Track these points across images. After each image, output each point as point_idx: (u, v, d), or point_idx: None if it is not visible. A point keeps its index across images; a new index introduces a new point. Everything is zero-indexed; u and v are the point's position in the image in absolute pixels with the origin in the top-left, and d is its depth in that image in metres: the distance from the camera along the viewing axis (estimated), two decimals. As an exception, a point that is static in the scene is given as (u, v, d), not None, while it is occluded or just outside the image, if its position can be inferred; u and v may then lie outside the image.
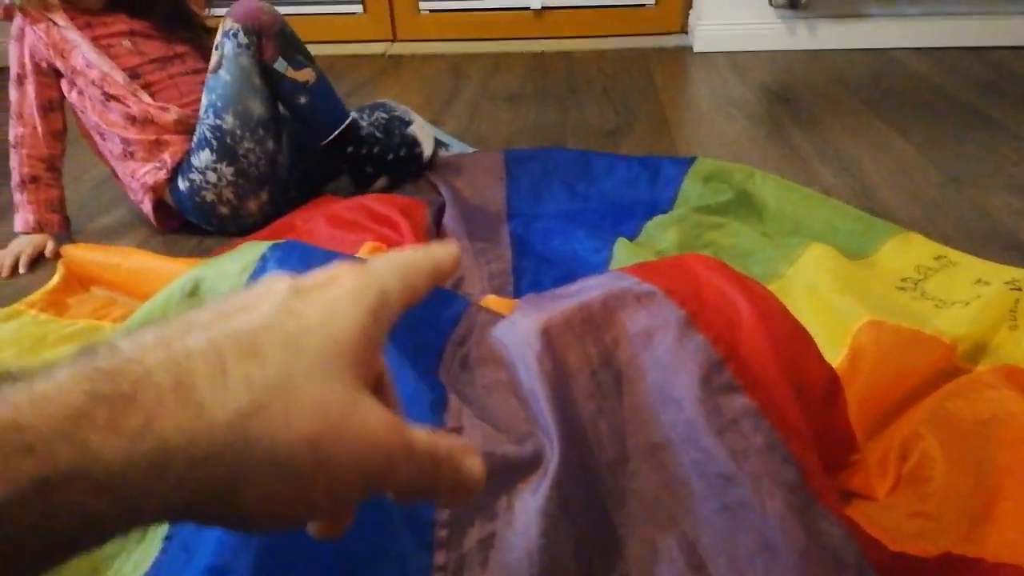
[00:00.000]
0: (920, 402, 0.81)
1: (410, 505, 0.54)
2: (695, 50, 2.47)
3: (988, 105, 1.84)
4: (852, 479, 0.72)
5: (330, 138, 1.33)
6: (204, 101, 1.28)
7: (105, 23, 1.33)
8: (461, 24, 2.72)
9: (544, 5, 2.66)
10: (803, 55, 2.36)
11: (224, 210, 1.31)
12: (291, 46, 1.28)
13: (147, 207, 1.34)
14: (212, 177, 1.27)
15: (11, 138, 1.33)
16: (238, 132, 1.26)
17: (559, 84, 2.22)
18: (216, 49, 1.27)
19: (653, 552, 0.53)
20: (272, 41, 1.26)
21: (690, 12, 2.59)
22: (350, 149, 1.34)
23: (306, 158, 1.40)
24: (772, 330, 0.58)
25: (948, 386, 0.82)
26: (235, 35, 1.25)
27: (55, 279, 1.19)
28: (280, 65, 1.26)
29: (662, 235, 1.12)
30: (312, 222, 1.21)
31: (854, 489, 0.73)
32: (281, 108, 1.33)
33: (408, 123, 1.42)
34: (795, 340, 0.62)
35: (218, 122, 1.25)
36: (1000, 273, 1.04)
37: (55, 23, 1.29)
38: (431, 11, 2.72)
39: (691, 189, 1.27)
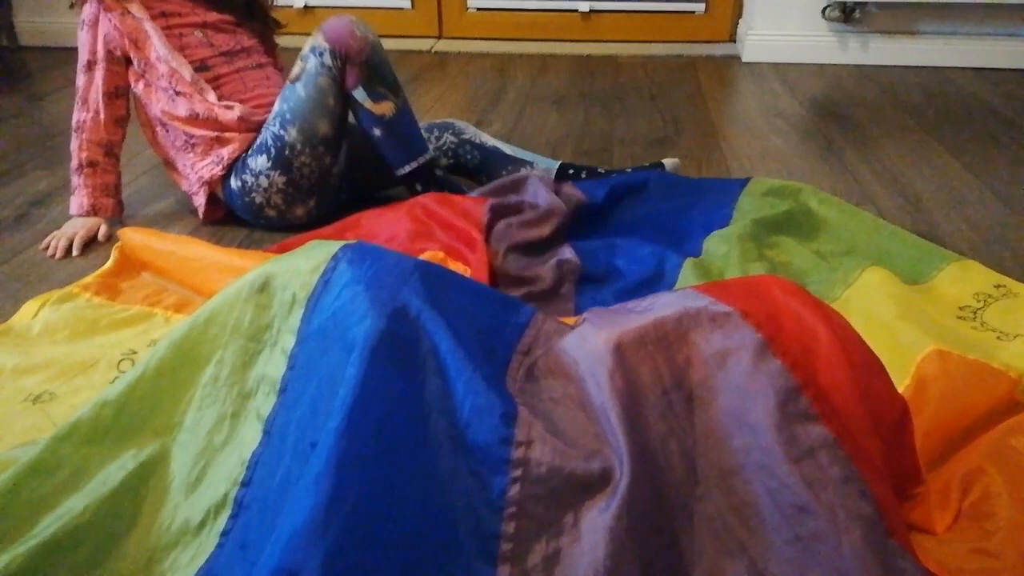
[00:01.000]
0: (982, 436, 0.80)
1: (477, 518, 0.54)
2: (743, 60, 2.45)
3: (1046, 130, 1.80)
4: (913, 512, 0.71)
5: (402, 173, 1.31)
6: (275, 108, 1.28)
7: (180, 13, 1.35)
8: (508, 23, 2.72)
9: (592, 8, 2.65)
10: (853, 70, 2.33)
11: (271, 212, 1.32)
12: (375, 76, 1.27)
13: (200, 199, 1.35)
14: (264, 182, 1.28)
15: (73, 122, 1.35)
16: (298, 147, 1.26)
17: (605, 88, 2.21)
18: (300, 60, 1.27)
19: None
20: (356, 69, 1.25)
21: (740, 21, 2.57)
22: (419, 187, 1.31)
23: (361, 167, 1.40)
24: (850, 358, 0.58)
25: (1011, 421, 0.80)
26: (321, 54, 1.24)
27: (109, 263, 1.20)
28: (359, 94, 1.26)
29: (719, 251, 1.11)
30: (377, 223, 1.21)
31: (913, 522, 0.71)
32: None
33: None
34: (870, 369, 0.61)
35: (282, 133, 1.26)
36: (1063, 306, 1.01)
37: (130, 12, 1.30)
38: (478, 9, 2.72)
39: (747, 204, 1.25)
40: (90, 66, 1.33)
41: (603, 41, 2.67)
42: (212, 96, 1.30)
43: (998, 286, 1.08)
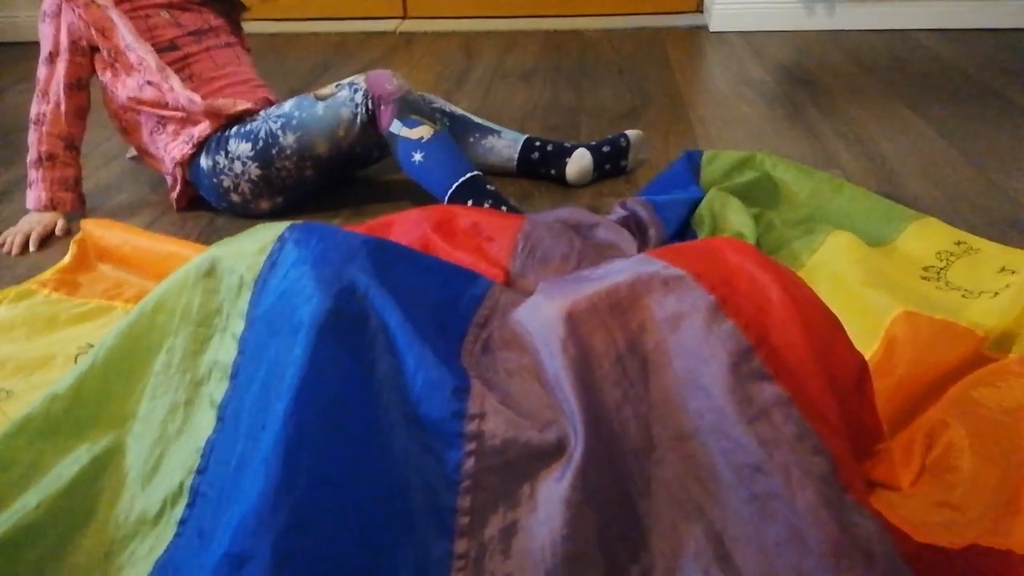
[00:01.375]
0: (947, 391, 0.80)
1: (433, 493, 0.54)
2: (711, 29, 2.43)
3: (1010, 88, 1.81)
4: (876, 468, 0.71)
5: (448, 195, 1.25)
6: (285, 108, 1.26)
7: None
8: (473, 1, 2.68)
9: (557, -17, 2.62)
10: (821, 35, 2.32)
11: (236, 198, 1.30)
12: (408, 107, 1.25)
13: (178, 180, 1.33)
14: (238, 167, 1.27)
15: (32, 115, 1.31)
16: (288, 151, 1.25)
17: (572, 63, 2.19)
18: (334, 86, 1.26)
19: (678, 542, 0.52)
20: (390, 107, 1.24)
21: (706, -9, 2.55)
22: (470, 202, 1.23)
23: (335, 178, 1.39)
24: (804, 316, 0.57)
25: (975, 374, 0.81)
26: (356, 91, 1.24)
27: (67, 258, 1.18)
28: (395, 127, 1.24)
29: (702, 232, 1.09)
30: (406, 228, 1.09)
31: (878, 479, 0.72)
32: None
33: None
34: (827, 327, 0.60)
35: (278, 133, 1.25)
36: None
37: (95, 1, 1.27)
38: (443, -13, 2.68)
39: (710, 179, 1.23)
40: (52, 58, 1.30)
41: (570, 16, 2.65)
42: (177, 84, 1.28)
43: (959, 243, 1.08)
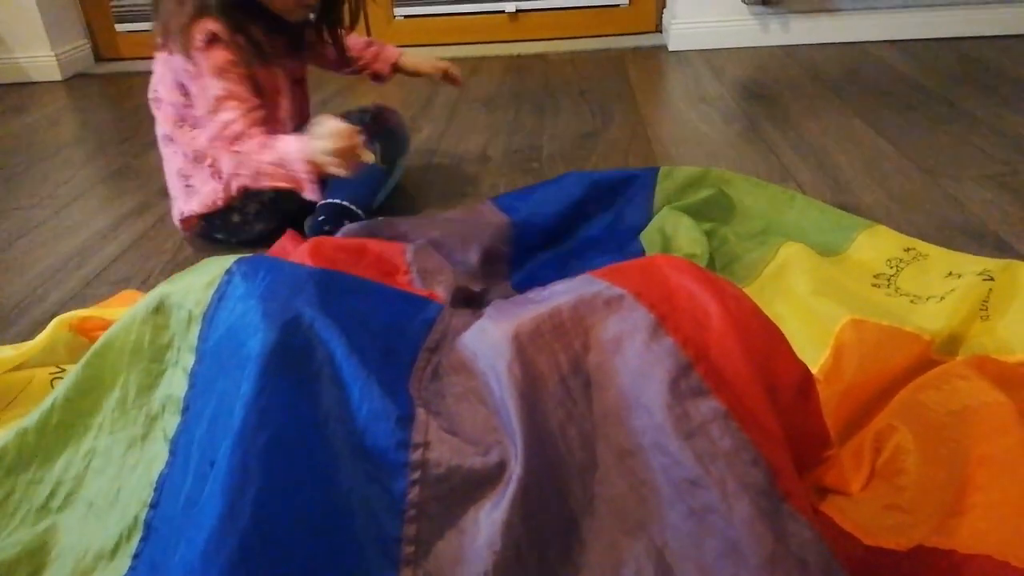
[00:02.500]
0: (895, 395, 0.82)
1: (379, 524, 0.54)
2: (670, 49, 2.48)
3: (960, 96, 1.86)
4: (827, 475, 0.73)
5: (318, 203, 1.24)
6: None
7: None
8: (435, 29, 2.72)
9: (519, 8, 2.67)
10: (777, 51, 2.38)
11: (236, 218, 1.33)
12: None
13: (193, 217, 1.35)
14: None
15: (219, 136, 1.20)
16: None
17: (536, 86, 2.22)
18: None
19: (619, 559, 0.53)
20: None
21: (664, 11, 2.60)
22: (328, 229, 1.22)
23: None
24: (742, 330, 0.59)
25: (921, 378, 0.83)
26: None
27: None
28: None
29: (655, 247, 1.11)
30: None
31: (829, 485, 0.73)
32: None
33: None
34: (767, 338, 0.62)
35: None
36: (970, 264, 1.04)
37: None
38: (405, 17, 2.71)
39: (664, 197, 1.25)
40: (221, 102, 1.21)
41: (532, 40, 2.69)
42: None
43: (908, 249, 1.11)
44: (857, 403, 0.82)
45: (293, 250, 1.03)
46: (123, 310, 1.08)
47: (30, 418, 0.73)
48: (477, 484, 0.54)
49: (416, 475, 0.54)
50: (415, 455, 0.55)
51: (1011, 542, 0.60)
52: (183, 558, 0.51)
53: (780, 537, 0.50)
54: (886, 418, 0.78)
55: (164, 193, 1.61)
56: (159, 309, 0.68)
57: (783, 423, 0.61)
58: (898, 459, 0.74)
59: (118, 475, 0.68)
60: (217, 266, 0.66)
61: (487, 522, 0.53)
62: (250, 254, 0.68)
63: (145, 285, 1.23)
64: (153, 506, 0.63)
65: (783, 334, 0.67)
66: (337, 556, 0.52)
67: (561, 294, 0.62)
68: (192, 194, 1.31)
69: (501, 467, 0.54)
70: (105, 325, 0.99)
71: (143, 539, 0.62)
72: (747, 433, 0.53)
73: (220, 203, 1.28)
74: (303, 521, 0.52)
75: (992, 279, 0.97)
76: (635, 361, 0.57)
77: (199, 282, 0.66)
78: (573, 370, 0.58)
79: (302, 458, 0.54)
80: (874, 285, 1.05)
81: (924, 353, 0.87)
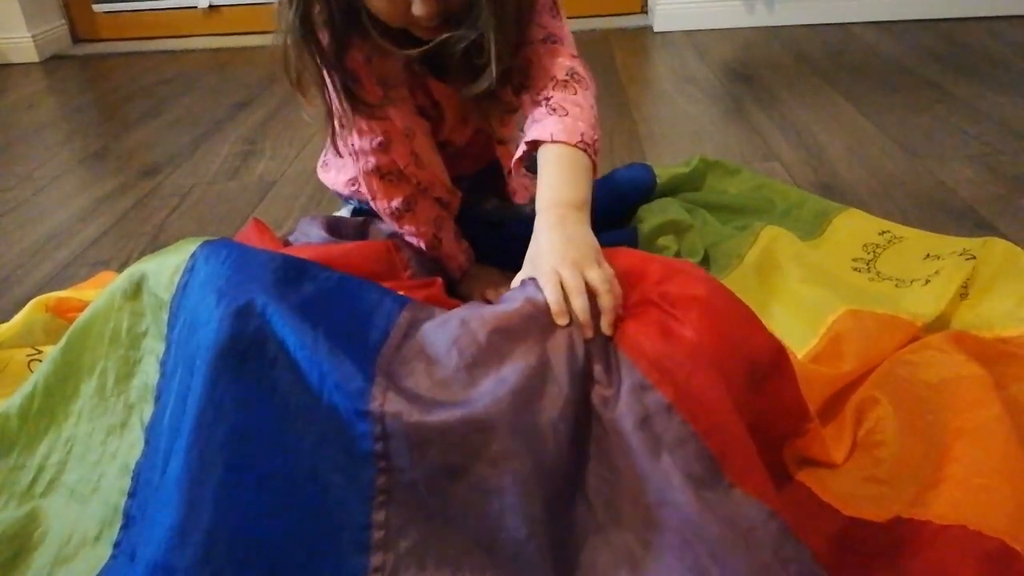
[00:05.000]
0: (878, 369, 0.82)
1: (346, 511, 0.54)
2: (655, 30, 2.47)
3: (942, 76, 1.86)
4: (810, 447, 0.73)
5: None
6: None
7: None
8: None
9: (503, -12, 2.64)
10: (762, 32, 2.37)
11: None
12: None
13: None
14: None
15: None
16: None
17: (520, 68, 2.21)
18: None
19: (595, 559, 0.54)
20: None
21: (649, -8, 2.59)
22: None
23: None
24: (706, 315, 0.59)
25: (900, 352, 0.83)
26: None
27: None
28: None
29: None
30: None
31: (812, 456, 0.73)
32: None
33: None
34: (731, 317, 0.62)
35: None
36: (946, 244, 1.04)
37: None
38: None
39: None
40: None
41: (518, 21, 2.67)
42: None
43: (883, 232, 1.11)
44: (853, 387, 0.81)
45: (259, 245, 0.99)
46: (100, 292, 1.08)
47: (11, 403, 0.72)
48: (448, 472, 0.54)
49: (383, 464, 0.54)
50: (378, 446, 0.54)
51: (985, 512, 0.61)
52: (145, 559, 0.51)
53: (728, 521, 0.50)
54: (868, 389, 0.79)
55: (143, 175, 1.60)
56: (136, 295, 0.67)
57: (755, 399, 0.61)
58: (878, 431, 0.75)
59: (99, 462, 0.67)
60: (186, 249, 0.65)
61: (462, 501, 0.53)
62: (216, 238, 0.67)
63: (124, 267, 1.21)
64: (131, 495, 0.63)
65: (750, 311, 0.66)
66: (305, 547, 0.52)
67: (515, 300, 0.61)
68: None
69: (468, 424, 0.53)
70: (82, 307, 0.98)
71: (123, 527, 0.62)
72: (692, 424, 0.53)
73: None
74: (268, 515, 0.52)
75: (974, 258, 0.98)
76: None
77: (170, 265, 0.64)
78: (536, 359, 0.57)
79: (262, 451, 0.54)
80: (854, 269, 1.05)
81: (915, 336, 0.87)
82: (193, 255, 0.64)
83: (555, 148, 0.73)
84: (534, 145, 0.75)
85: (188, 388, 0.56)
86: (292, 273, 0.61)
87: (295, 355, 0.56)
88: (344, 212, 1.17)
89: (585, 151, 0.74)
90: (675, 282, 0.61)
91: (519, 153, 0.77)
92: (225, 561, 0.51)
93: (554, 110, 0.76)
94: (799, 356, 0.85)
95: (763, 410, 0.63)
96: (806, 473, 0.73)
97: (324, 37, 0.78)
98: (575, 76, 0.80)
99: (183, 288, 0.63)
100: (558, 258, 0.61)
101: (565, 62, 0.80)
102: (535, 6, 0.80)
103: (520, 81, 0.80)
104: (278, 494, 0.53)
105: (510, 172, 0.99)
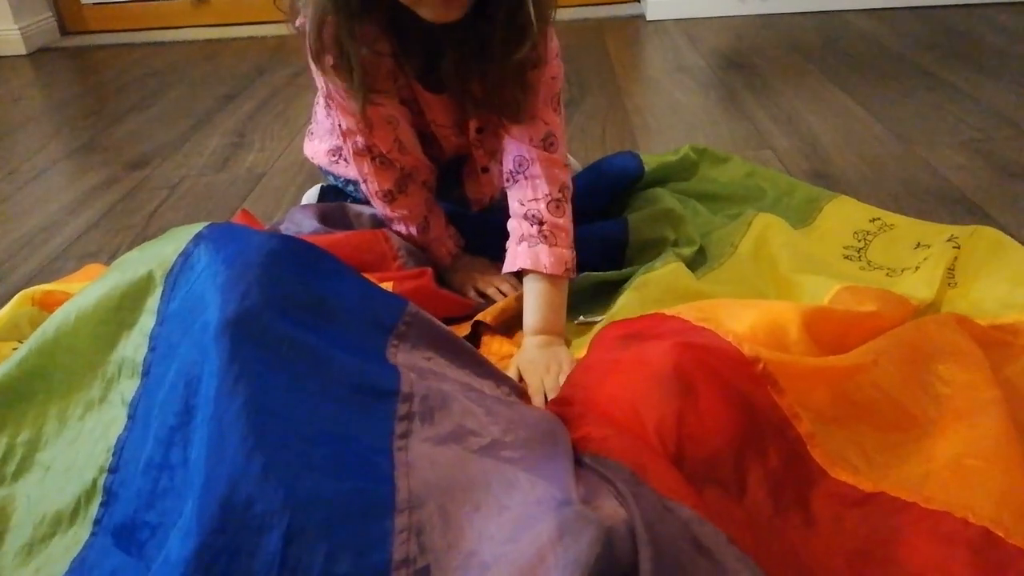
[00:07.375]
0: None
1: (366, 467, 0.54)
2: (648, 18, 2.46)
3: (935, 64, 1.86)
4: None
5: None
6: None
7: None
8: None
9: (495, -22, 2.62)
10: (755, 20, 2.36)
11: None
12: None
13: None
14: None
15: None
16: None
17: (512, 57, 2.19)
18: None
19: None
20: None
21: (642, -20, 2.58)
22: None
23: None
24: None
25: (904, 326, 0.82)
26: None
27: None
28: None
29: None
30: None
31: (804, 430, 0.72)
32: None
33: None
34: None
35: None
36: (936, 233, 1.04)
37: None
38: None
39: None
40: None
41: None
42: None
43: (873, 220, 1.10)
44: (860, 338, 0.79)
45: None
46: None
47: None
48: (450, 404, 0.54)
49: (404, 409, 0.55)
50: (400, 426, 0.55)
51: (972, 496, 0.60)
52: (179, 526, 0.50)
53: (660, 520, 0.52)
54: (871, 351, 0.77)
55: (132, 167, 1.59)
56: (114, 269, 0.67)
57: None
58: (874, 398, 0.73)
59: (76, 439, 0.66)
60: (186, 232, 0.65)
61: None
62: (222, 222, 0.67)
63: (112, 259, 1.21)
64: (112, 471, 0.62)
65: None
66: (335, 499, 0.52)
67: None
68: None
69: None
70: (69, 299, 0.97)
71: (103, 504, 0.61)
72: (618, 457, 0.58)
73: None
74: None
75: (959, 246, 0.97)
76: None
77: (167, 248, 0.65)
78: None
79: (281, 419, 0.54)
80: (846, 257, 1.04)
81: (912, 315, 0.86)
82: (199, 235, 0.64)
83: (547, 279, 0.88)
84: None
85: (201, 364, 0.56)
86: (303, 259, 0.62)
87: (305, 337, 0.56)
88: (311, 195, 1.17)
89: (566, 276, 0.89)
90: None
91: (513, 269, 0.90)
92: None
93: (545, 237, 0.88)
94: (795, 332, 0.82)
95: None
96: (803, 422, 0.69)
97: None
98: (564, 190, 0.91)
99: (183, 262, 0.63)
100: (542, 369, 0.81)
101: (558, 163, 0.92)
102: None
103: (514, 114, 0.91)
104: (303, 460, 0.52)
105: (485, 169, 1.03)
